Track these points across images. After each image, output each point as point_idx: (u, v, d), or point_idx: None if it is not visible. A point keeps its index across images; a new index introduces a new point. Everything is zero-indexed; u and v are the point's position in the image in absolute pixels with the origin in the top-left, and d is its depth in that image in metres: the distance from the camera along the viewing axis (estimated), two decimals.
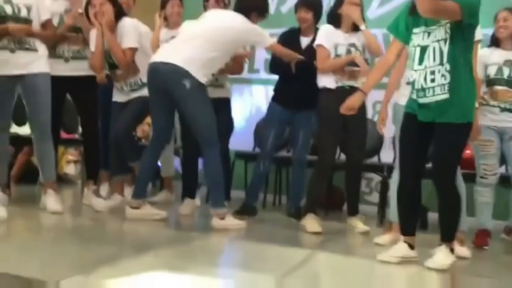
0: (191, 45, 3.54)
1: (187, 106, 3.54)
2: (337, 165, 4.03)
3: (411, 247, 2.96)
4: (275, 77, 4.38)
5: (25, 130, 4.78)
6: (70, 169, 5.90)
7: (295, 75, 3.98)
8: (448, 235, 2.92)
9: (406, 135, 3.02)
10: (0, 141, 3.58)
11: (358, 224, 3.88)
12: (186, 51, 3.51)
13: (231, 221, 3.64)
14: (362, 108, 3.65)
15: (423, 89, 2.88)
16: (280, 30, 4.29)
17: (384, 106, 3.59)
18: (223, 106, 4.18)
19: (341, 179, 4.27)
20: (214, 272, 2.53)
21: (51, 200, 3.72)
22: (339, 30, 3.82)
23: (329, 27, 3.86)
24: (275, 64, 4.21)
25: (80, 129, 4.67)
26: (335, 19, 3.82)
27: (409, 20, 2.96)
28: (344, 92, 3.57)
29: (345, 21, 3.80)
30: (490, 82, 3.70)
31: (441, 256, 2.86)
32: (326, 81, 3.78)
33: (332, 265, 2.96)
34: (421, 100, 2.90)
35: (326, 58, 3.78)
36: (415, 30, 2.93)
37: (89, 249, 2.85)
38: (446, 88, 2.83)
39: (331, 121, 3.70)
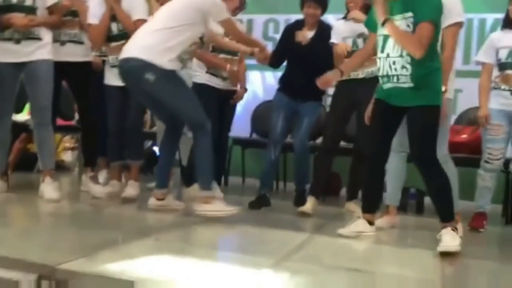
0: (148, 31, 3.35)
1: (160, 98, 3.32)
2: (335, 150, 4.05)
3: (370, 223, 3.16)
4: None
5: (22, 117, 4.78)
6: (67, 156, 5.91)
7: (299, 67, 4.05)
8: (446, 216, 2.93)
9: (375, 121, 3.11)
10: (1, 128, 3.57)
11: (356, 209, 3.91)
12: (143, 39, 3.32)
13: (220, 207, 3.35)
14: None
15: (388, 76, 2.95)
16: (277, 16, 4.25)
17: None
18: (231, 98, 4.22)
19: (338, 164, 4.29)
20: (215, 255, 2.54)
21: (48, 188, 3.73)
22: (348, 21, 3.87)
23: (338, 24, 3.99)
24: (279, 54, 4.19)
25: (76, 116, 4.65)
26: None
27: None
28: (348, 83, 3.81)
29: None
30: (502, 66, 3.68)
31: (449, 238, 2.85)
32: None
33: (330, 248, 2.98)
34: (386, 86, 2.97)
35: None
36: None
37: (89, 234, 2.86)
38: (409, 78, 2.88)
39: (335, 109, 3.98)
